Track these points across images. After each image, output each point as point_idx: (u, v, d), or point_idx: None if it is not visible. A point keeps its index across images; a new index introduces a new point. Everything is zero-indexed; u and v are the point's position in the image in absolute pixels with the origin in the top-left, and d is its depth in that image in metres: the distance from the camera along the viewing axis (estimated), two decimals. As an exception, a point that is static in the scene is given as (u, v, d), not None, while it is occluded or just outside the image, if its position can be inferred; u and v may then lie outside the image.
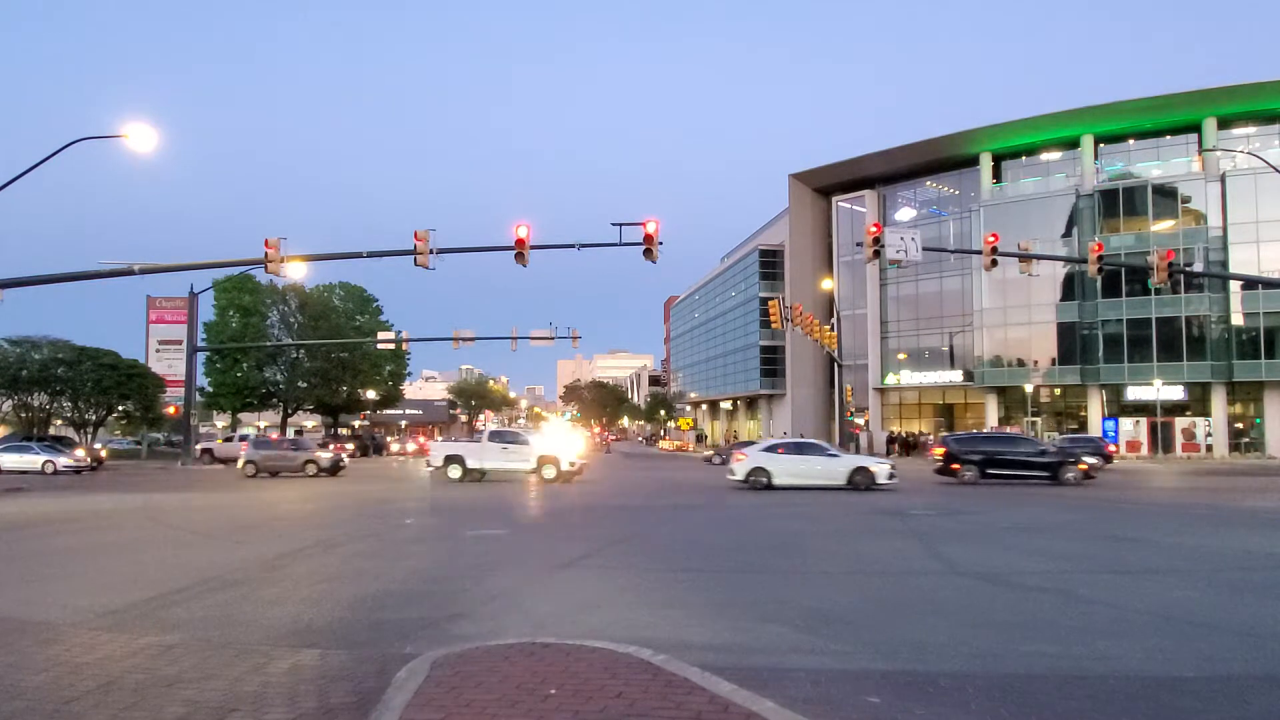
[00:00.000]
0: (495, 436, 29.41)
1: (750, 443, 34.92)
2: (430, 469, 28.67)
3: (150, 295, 57.92)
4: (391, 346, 51.85)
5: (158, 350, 57.02)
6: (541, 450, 27.41)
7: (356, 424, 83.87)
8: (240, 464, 32.36)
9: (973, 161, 56.88)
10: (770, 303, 44.49)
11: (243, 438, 46.13)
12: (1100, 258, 27.16)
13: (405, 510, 17.45)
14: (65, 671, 5.27)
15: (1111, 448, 42.90)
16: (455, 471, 27.14)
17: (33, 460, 35.44)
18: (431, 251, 23.11)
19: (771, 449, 25.25)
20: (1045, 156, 55.39)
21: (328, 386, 62.81)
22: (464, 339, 43.16)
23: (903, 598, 7.92)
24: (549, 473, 26.71)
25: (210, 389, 59.73)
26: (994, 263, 27.80)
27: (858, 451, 52.52)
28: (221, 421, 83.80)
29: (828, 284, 62.63)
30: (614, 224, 23.41)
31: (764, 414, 79.78)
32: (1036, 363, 52.95)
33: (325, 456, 32.93)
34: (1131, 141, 52.48)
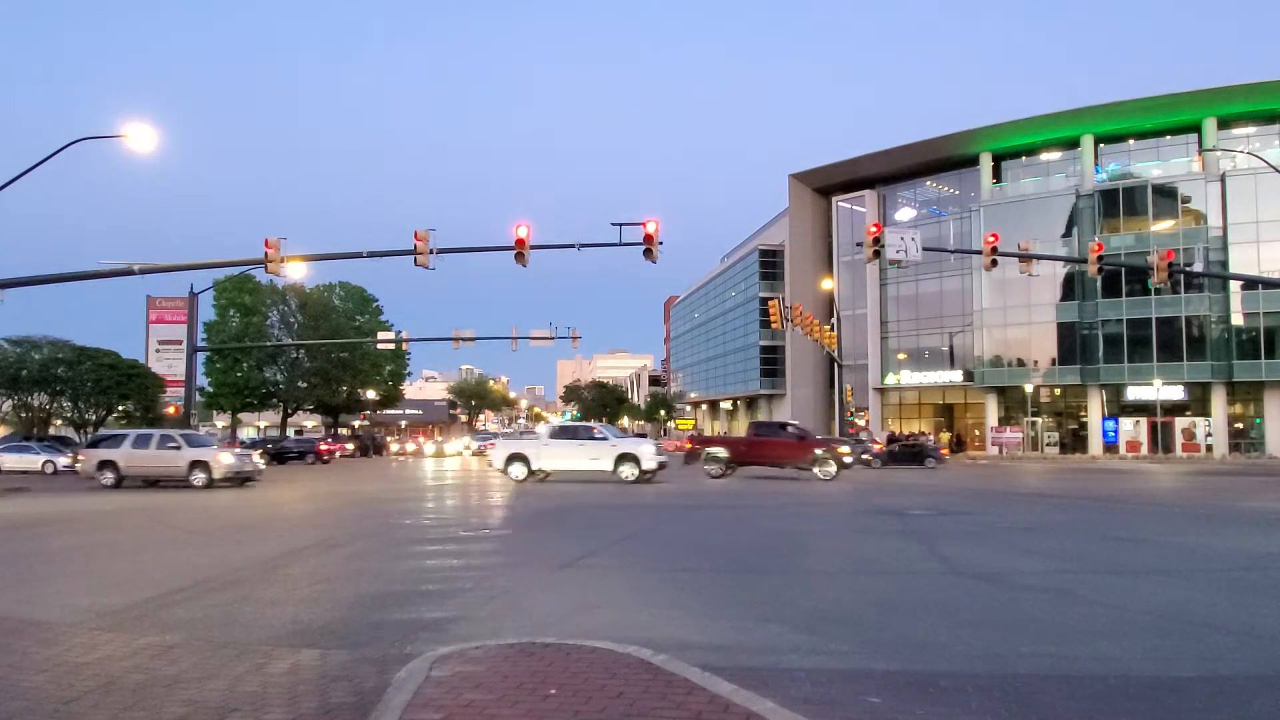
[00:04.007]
0: (564, 433, 27.01)
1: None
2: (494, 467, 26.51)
3: (150, 295, 57.89)
4: (391, 346, 51.90)
5: (158, 350, 56.99)
6: (624, 448, 25.15)
7: (356, 424, 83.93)
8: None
9: (973, 161, 56.92)
10: (770, 303, 44.53)
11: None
12: (1100, 258, 27.20)
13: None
14: (65, 671, 5.27)
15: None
16: (519, 471, 25.27)
17: (33, 460, 35.45)
18: (431, 251, 23.13)
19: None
20: (1045, 156, 55.44)
21: (328, 386, 62.85)
22: (464, 339, 43.18)
23: (903, 597, 7.91)
24: (628, 473, 24.35)
25: (210, 389, 59.76)
26: (994, 263, 27.83)
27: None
28: (221, 422, 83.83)
29: (828, 284, 62.67)
30: (614, 224, 23.49)
31: (764, 414, 79.79)
32: (1036, 363, 53.00)
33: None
34: (1131, 141, 52.53)
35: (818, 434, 37.01)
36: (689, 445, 29.98)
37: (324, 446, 49.14)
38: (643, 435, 38.45)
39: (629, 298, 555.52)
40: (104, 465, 24.77)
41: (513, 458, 25.63)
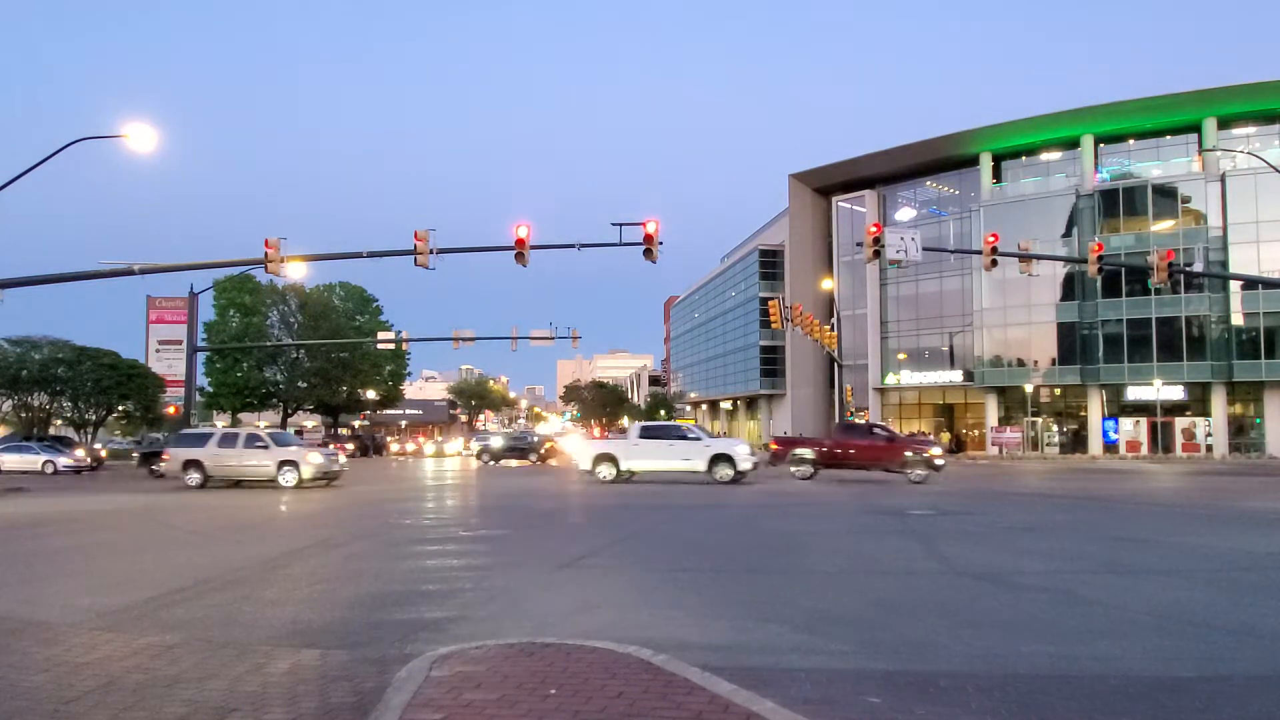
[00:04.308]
0: (654, 432, 26.26)
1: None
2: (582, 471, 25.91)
3: (150, 295, 57.95)
4: (391, 346, 51.93)
5: (158, 350, 57.02)
6: (718, 448, 24.59)
7: (356, 424, 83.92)
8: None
9: (973, 161, 56.91)
10: (770, 303, 44.51)
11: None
12: (1100, 258, 27.20)
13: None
14: (65, 671, 5.27)
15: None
16: (607, 472, 24.76)
17: (33, 460, 35.45)
18: (431, 251, 23.12)
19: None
20: (1045, 156, 55.42)
21: (328, 386, 62.88)
22: (464, 339, 43.18)
23: (903, 597, 7.92)
24: (723, 474, 23.76)
25: (210, 389, 59.81)
26: (994, 263, 27.83)
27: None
28: (221, 421, 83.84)
29: (828, 284, 62.66)
30: (614, 224, 23.47)
31: (764, 414, 79.80)
32: (1036, 363, 52.98)
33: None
34: (1131, 141, 52.51)
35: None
36: (775, 447, 29.14)
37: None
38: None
39: (629, 298, 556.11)
40: (189, 465, 23.97)
41: (601, 458, 25.23)
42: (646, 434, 25.99)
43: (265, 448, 23.77)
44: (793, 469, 26.42)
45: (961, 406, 60.65)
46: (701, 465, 24.16)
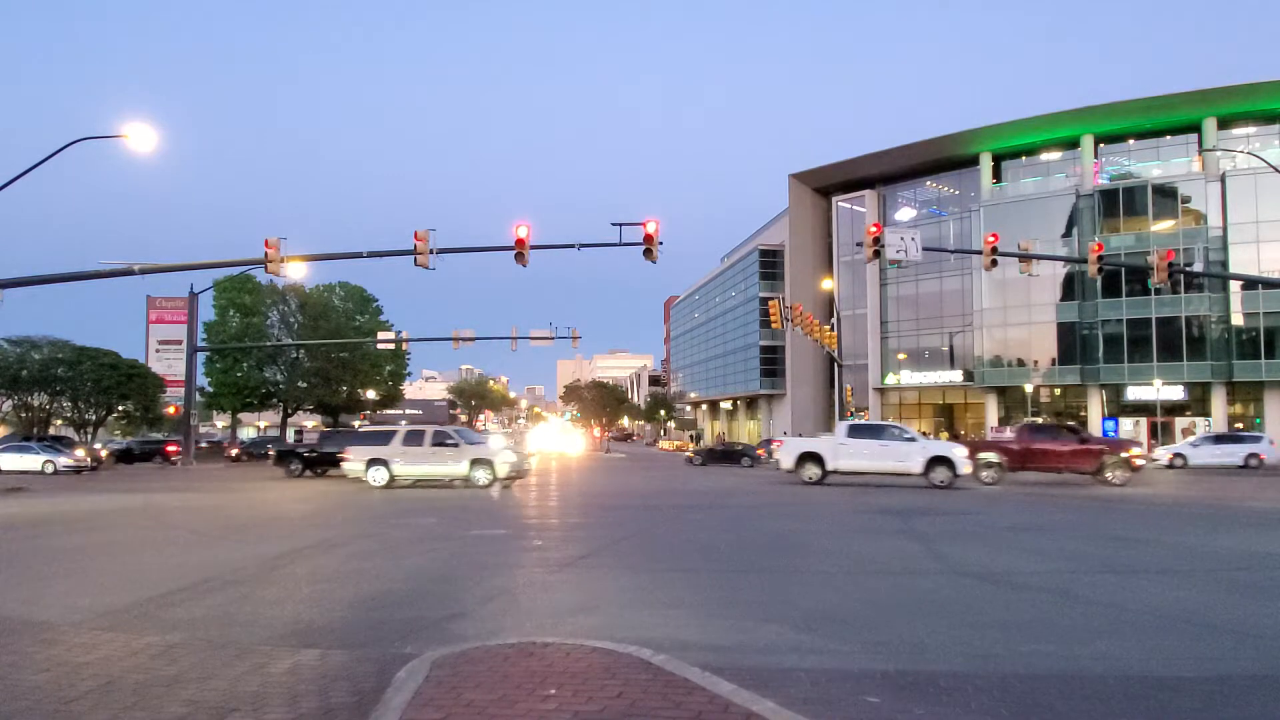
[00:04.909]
0: (863, 431, 25.22)
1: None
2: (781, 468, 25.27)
3: (150, 295, 58.05)
4: (391, 346, 51.94)
5: (158, 350, 57.07)
6: (935, 450, 23.93)
7: (356, 424, 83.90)
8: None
9: (973, 161, 56.91)
10: (770, 303, 44.51)
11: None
12: (1100, 258, 27.19)
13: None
14: (65, 671, 5.27)
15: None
16: (811, 472, 24.11)
17: (33, 460, 35.44)
18: (431, 251, 23.13)
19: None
20: (1045, 156, 55.43)
21: (328, 386, 62.81)
22: (464, 339, 43.21)
23: (902, 597, 7.92)
24: (939, 477, 22.94)
25: (210, 389, 59.78)
26: (994, 263, 27.83)
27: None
28: (222, 422, 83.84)
29: (828, 284, 62.66)
30: (614, 224, 23.48)
31: (764, 414, 79.80)
32: (1036, 363, 52.99)
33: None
34: (1131, 141, 52.52)
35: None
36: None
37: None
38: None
39: (629, 298, 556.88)
40: (375, 464, 23.13)
41: (805, 457, 24.46)
42: (855, 433, 24.91)
43: (455, 445, 23.07)
44: (981, 474, 24.53)
45: (961, 406, 60.67)
46: (917, 468, 23.24)
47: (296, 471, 29.89)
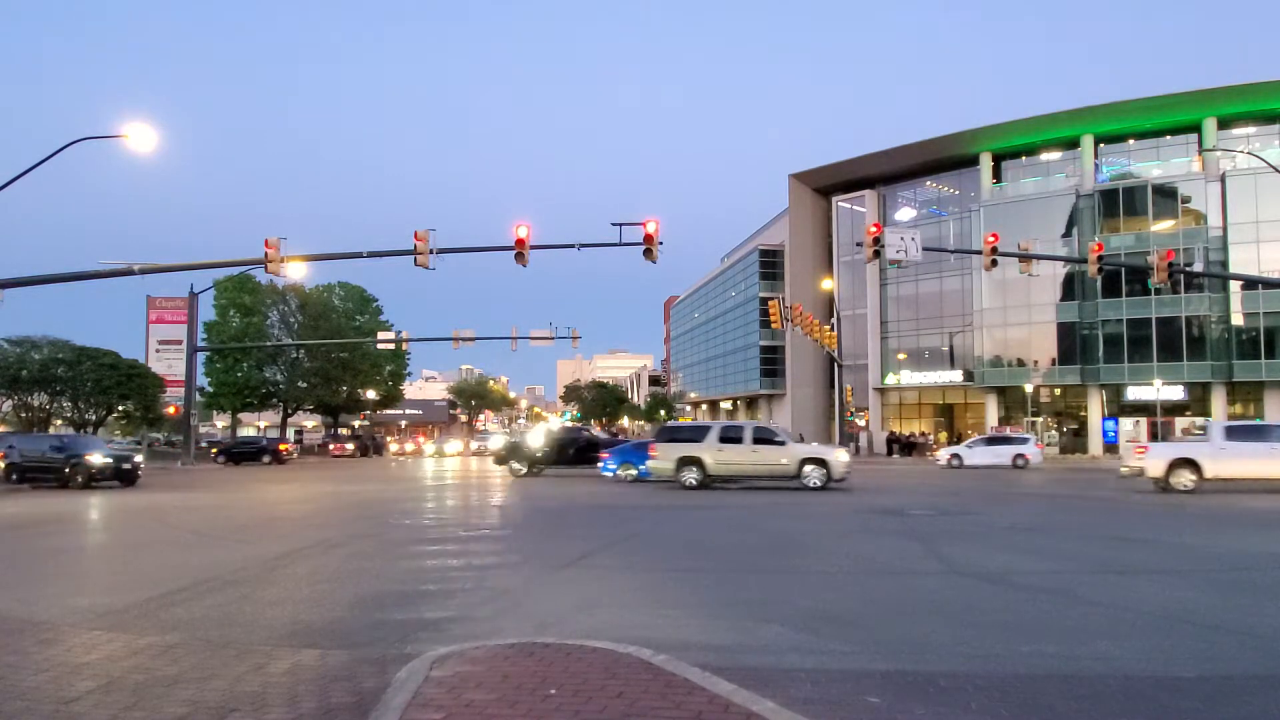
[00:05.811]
0: (1247, 433, 21.85)
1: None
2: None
3: (150, 295, 57.91)
4: (391, 346, 51.92)
5: (158, 350, 56.98)
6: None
7: (356, 424, 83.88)
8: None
9: (973, 161, 56.87)
10: (770, 303, 44.48)
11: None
12: (1100, 258, 27.18)
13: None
14: (65, 671, 5.27)
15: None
16: (1186, 480, 20.89)
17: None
18: (431, 251, 23.13)
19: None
20: (1045, 156, 55.39)
21: (328, 386, 62.85)
22: (464, 339, 43.19)
23: (902, 598, 7.92)
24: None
25: (210, 389, 59.79)
26: (994, 263, 27.82)
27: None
28: (222, 422, 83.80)
29: (828, 284, 62.61)
30: (614, 224, 23.46)
31: (764, 414, 79.75)
32: (1036, 363, 52.95)
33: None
34: (1131, 141, 52.48)
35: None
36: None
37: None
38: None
39: (629, 298, 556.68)
40: (686, 462, 21.63)
41: (1179, 463, 21.17)
42: (1235, 435, 21.57)
43: (782, 444, 21.78)
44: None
45: (961, 406, 60.61)
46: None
47: (519, 471, 28.30)
